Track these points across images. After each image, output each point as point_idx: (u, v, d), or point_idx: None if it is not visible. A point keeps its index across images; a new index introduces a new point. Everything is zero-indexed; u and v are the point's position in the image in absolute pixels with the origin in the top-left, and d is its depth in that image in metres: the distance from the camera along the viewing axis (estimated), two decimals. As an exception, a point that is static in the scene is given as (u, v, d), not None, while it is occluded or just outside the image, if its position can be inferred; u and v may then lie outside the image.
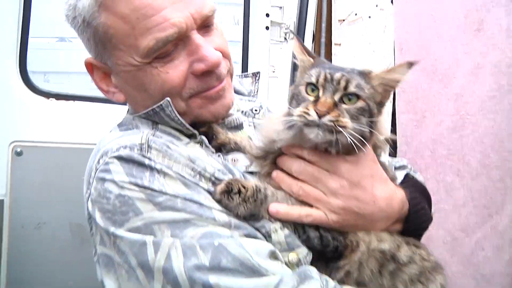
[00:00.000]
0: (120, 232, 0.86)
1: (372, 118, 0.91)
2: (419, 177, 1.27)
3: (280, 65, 2.50)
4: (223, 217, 0.88)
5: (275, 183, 0.99)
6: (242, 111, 1.24)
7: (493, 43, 1.78)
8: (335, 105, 0.88)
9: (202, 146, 1.05)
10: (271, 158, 1.02)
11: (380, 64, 2.34)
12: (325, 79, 0.89)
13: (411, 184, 1.13)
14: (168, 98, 1.01)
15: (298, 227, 0.95)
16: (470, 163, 1.82)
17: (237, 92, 1.31)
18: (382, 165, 1.03)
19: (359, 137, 0.87)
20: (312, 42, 2.60)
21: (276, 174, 1.00)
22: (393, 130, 2.15)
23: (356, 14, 2.50)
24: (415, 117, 2.00)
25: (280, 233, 0.92)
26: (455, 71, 1.89)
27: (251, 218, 0.92)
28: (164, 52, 0.99)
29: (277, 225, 0.92)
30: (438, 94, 1.94)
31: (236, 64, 2.55)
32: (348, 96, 0.89)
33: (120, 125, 1.11)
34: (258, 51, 2.38)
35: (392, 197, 0.99)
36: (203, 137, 1.06)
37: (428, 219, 1.08)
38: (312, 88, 0.91)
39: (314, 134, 0.87)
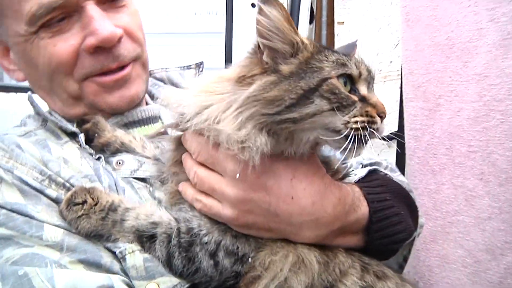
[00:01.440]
0: None
1: None
2: (399, 176, 0.97)
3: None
4: (56, 235, 0.75)
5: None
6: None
7: (528, 4, 1.35)
8: None
9: (80, 146, 0.95)
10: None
11: (387, 43, 1.95)
12: (368, 71, 0.77)
13: (375, 183, 0.85)
14: (30, 93, 0.96)
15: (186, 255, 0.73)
16: (497, 163, 1.40)
17: (175, 85, 1.22)
18: (321, 157, 0.82)
19: None
20: (311, 22, 2.26)
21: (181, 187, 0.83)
22: (400, 122, 1.77)
23: (361, -13, 2.12)
24: (427, 105, 1.59)
25: (138, 256, 0.75)
26: (477, 44, 1.46)
27: (99, 239, 0.77)
28: (50, 19, 0.90)
29: (136, 246, 0.75)
30: (455, 75, 1.52)
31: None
32: None
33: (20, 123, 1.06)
34: (243, 34, 2.06)
35: (324, 194, 0.74)
36: (81, 136, 0.95)
37: (405, 229, 0.80)
38: (344, 82, 0.74)
39: (369, 145, 0.71)
